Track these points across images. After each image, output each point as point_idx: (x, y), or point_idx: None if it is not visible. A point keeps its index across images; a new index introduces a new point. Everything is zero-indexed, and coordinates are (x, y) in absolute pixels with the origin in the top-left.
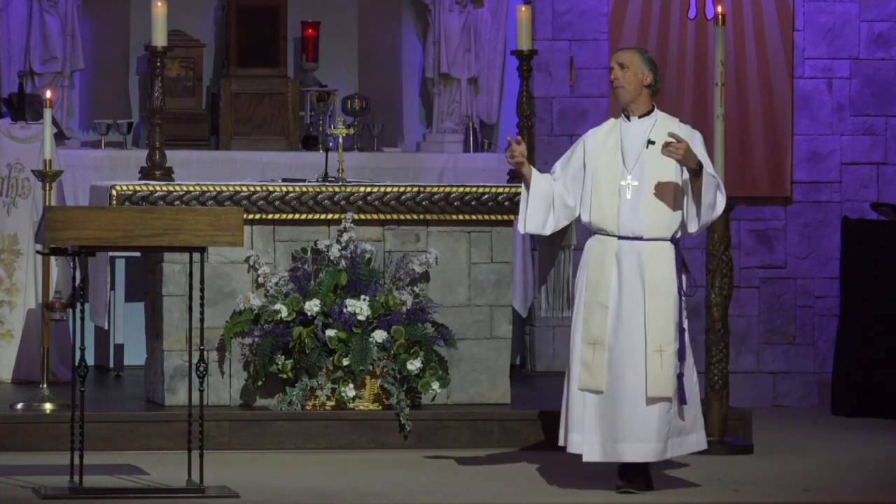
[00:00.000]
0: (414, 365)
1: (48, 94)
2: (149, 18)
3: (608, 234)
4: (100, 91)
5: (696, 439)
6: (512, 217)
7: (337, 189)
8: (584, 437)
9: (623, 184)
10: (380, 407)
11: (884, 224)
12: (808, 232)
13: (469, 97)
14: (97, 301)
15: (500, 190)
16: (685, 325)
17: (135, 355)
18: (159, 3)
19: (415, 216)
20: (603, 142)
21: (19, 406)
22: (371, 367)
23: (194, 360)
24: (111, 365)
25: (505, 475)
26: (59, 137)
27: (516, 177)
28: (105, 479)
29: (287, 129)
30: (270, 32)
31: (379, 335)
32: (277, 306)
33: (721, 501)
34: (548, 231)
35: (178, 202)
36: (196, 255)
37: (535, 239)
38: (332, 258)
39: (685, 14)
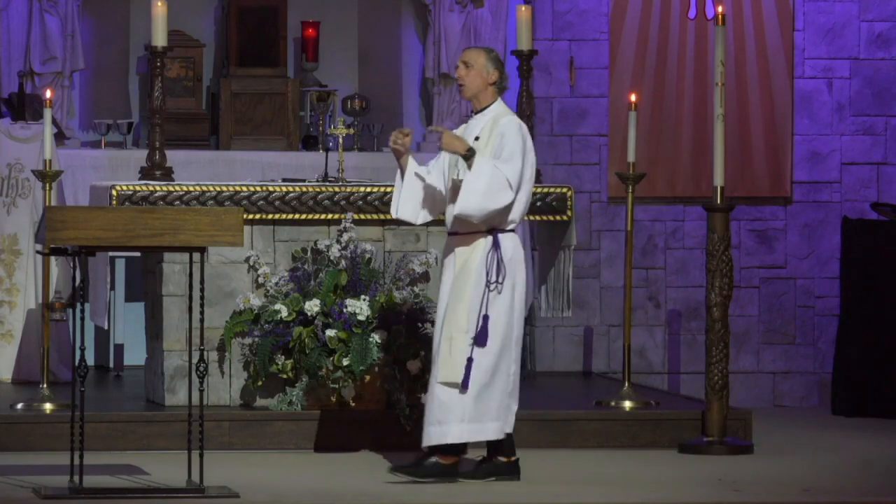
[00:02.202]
0: (414, 365)
1: (48, 94)
2: (149, 18)
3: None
4: (100, 91)
5: (496, 427)
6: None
7: (337, 189)
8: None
9: (455, 178)
10: (380, 407)
11: (884, 224)
12: (808, 232)
13: None
14: (97, 301)
15: None
16: (491, 313)
17: (135, 355)
18: (159, 3)
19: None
20: (462, 136)
21: (19, 406)
22: (371, 367)
23: (194, 360)
24: (111, 365)
25: None
26: (59, 137)
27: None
28: (105, 479)
29: (287, 129)
30: (270, 32)
31: (379, 335)
32: (277, 306)
33: (721, 501)
34: (419, 221)
35: (178, 202)
36: (196, 255)
37: (535, 239)
38: (332, 258)
39: (685, 14)
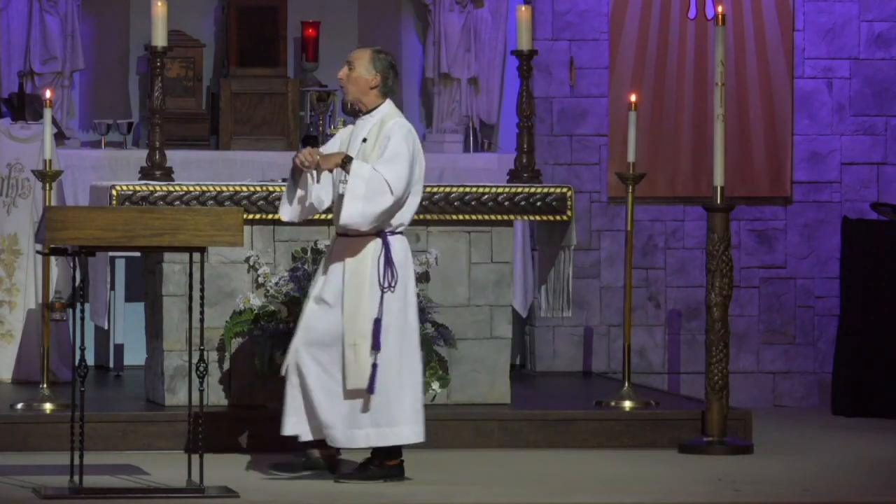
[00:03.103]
0: None
1: (48, 94)
2: (149, 18)
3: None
4: (100, 91)
5: (409, 431)
6: (512, 217)
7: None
8: (297, 419)
9: (341, 181)
10: None
11: (884, 224)
12: (808, 232)
13: (469, 97)
14: (97, 301)
15: (500, 190)
16: (384, 316)
17: (135, 355)
18: (159, 3)
19: (415, 216)
20: (346, 140)
21: (19, 406)
22: None
23: (194, 360)
24: (111, 365)
25: (505, 475)
26: (59, 137)
27: (515, 176)
28: (105, 479)
29: (287, 129)
30: (270, 32)
31: None
32: (278, 306)
33: (721, 501)
34: (297, 220)
35: (178, 202)
36: (196, 255)
37: (535, 239)
38: None
39: (685, 14)
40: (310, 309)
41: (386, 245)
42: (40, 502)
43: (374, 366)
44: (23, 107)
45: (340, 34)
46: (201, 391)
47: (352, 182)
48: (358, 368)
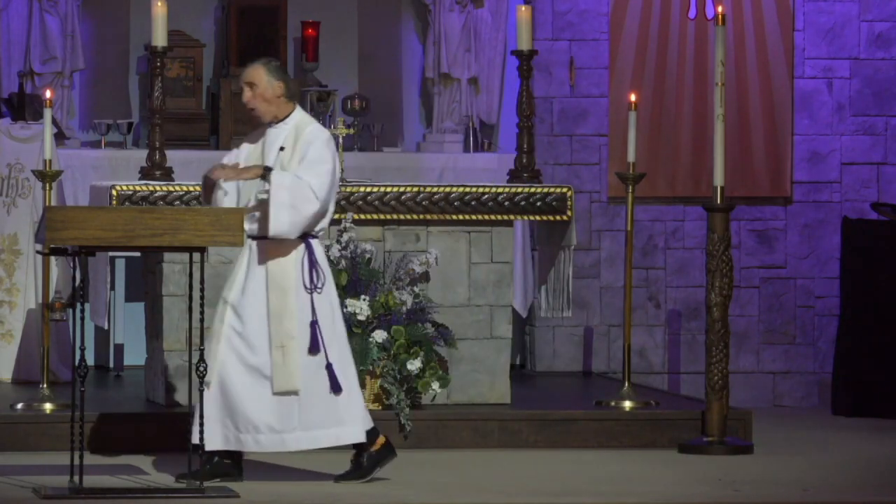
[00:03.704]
0: (414, 365)
1: (48, 94)
2: (149, 18)
3: (248, 235)
4: (100, 91)
5: (359, 430)
6: (512, 217)
7: (337, 189)
8: (211, 428)
9: (258, 189)
10: (380, 407)
11: (884, 224)
12: (808, 232)
13: (469, 97)
14: (97, 301)
15: (500, 190)
16: (319, 318)
17: (135, 355)
18: (159, 3)
19: (415, 216)
20: (254, 147)
21: (19, 406)
22: (371, 367)
23: (194, 360)
24: (111, 365)
25: (505, 475)
26: (59, 137)
27: (515, 176)
28: (105, 479)
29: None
30: (270, 32)
31: (379, 335)
32: None
33: (721, 501)
34: None
35: (178, 202)
36: (196, 255)
37: (535, 239)
38: (332, 258)
39: (685, 14)
40: (229, 315)
41: (309, 247)
42: (40, 502)
43: (329, 366)
44: (23, 107)
45: (340, 34)
46: (201, 391)
47: (276, 193)
48: (286, 371)
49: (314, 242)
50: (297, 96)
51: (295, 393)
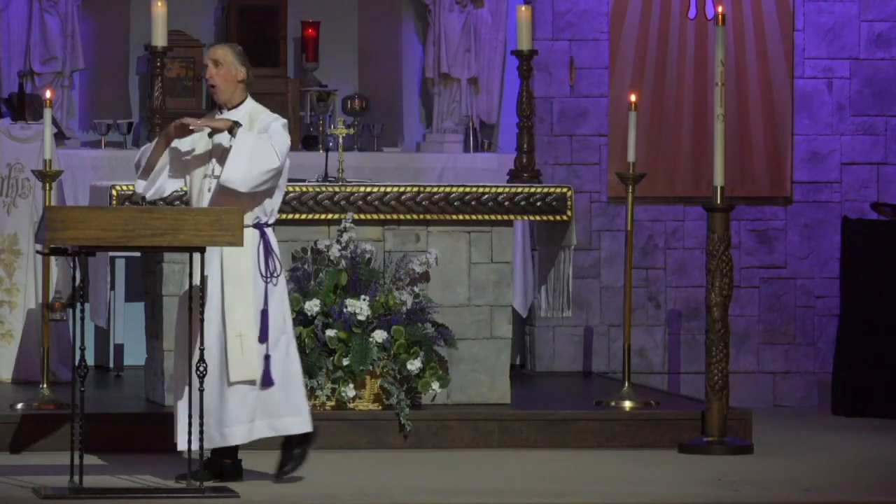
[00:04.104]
0: (414, 365)
1: (48, 94)
2: (149, 18)
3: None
4: (100, 91)
5: (297, 422)
6: (512, 217)
7: (337, 189)
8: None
9: (208, 175)
10: (380, 407)
11: (884, 224)
12: (808, 232)
13: (469, 97)
14: (97, 301)
15: (500, 190)
16: (269, 307)
17: (135, 355)
18: (159, 3)
19: (415, 216)
20: (202, 133)
21: (19, 406)
22: (371, 367)
23: (194, 360)
24: (111, 365)
25: (505, 475)
26: (59, 137)
27: (515, 176)
28: (105, 479)
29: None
30: (270, 32)
31: (379, 335)
32: None
33: (721, 501)
34: (149, 196)
35: (178, 202)
36: (196, 255)
37: (535, 239)
38: (332, 258)
39: (685, 14)
40: (183, 313)
41: (264, 236)
42: (40, 502)
43: (268, 357)
44: (23, 107)
45: (340, 34)
46: (201, 391)
47: (238, 143)
48: (244, 359)
49: (269, 231)
50: (252, 87)
51: (253, 382)
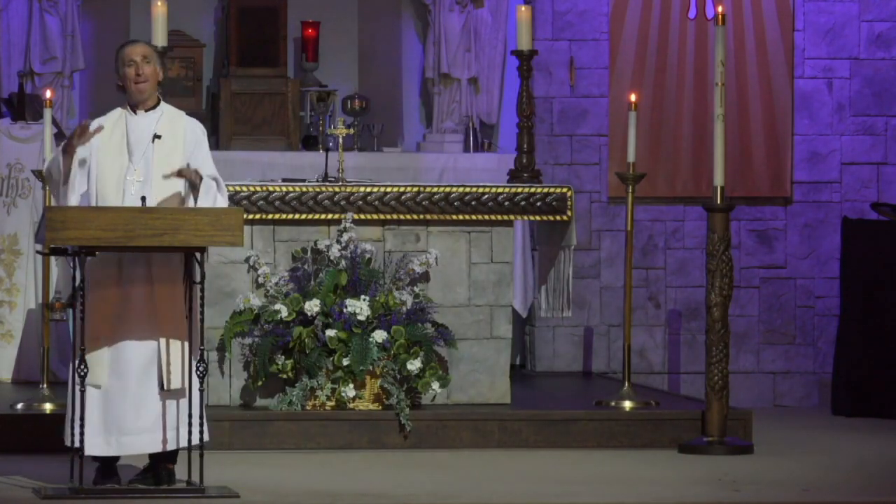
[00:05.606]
0: (414, 365)
1: (48, 94)
2: (149, 18)
3: None
4: (100, 91)
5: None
6: (512, 217)
7: (337, 189)
8: (88, 430)
9: (129, 178)
10: (380, 407)
11: (884, 224)
12: (808, 232)
13: (469, 97)
14: None
15: (500, 190)
16: (194, 315)
17: None
18: (159, 3)
19: (415, 216)
20: (109, 136)
21: (19, 406)
22: (371, 367)
23: (194, 360)
24: None
25: (505, 475)
26: (59, 137)
27: (515, 176)
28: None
29: (287, 129)
30: (270, 32)
31: (379, 335)
32: (277, 306)
33: (721, 501)
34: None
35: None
36: (196, 255)
37: (535, 239)
38: (332, 258)
39: (685, 14)
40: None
41: None
42: (40, 502)
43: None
44: (23, 107)
45: (340, 34)
46: (201, 391)
47: (205, 192)
48: (174, 367)
49: None
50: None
51: (181, 390)
